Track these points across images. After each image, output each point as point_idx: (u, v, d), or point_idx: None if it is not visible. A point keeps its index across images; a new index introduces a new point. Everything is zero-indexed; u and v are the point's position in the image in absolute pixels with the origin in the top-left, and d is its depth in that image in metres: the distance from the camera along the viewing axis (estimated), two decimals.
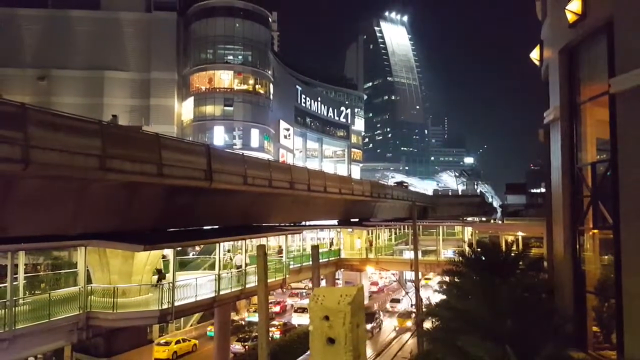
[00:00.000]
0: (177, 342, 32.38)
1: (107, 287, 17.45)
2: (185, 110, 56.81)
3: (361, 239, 41.40)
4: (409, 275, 61.41)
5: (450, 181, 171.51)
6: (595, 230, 11.20)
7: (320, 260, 36.25)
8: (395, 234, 51.77)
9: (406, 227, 47.04)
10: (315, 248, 14.38)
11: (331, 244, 40.20)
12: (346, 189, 36.24)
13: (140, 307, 17.66)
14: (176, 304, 17.83)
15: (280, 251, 28.43)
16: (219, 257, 21.16)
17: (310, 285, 55.10)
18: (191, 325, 37.51)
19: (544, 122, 12.87)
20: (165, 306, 17.35)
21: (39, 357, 22.63)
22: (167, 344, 31.64)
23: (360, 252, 40.88)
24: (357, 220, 42.21)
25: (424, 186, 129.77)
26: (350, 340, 2.16)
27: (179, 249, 20.82)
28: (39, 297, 16.70)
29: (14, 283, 15.42)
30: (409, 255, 38.94)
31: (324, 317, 2.18)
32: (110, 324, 17.00)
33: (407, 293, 48.62)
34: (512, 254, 16.17)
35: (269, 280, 22.87)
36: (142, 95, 54.60)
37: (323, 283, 54.16)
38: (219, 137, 54.86)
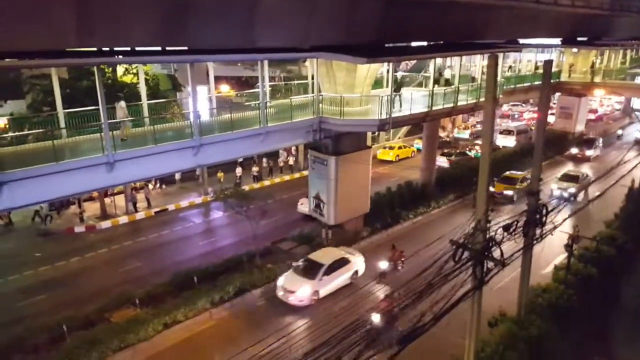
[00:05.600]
0: (400, 147, 36.37)
1: (334, 96, 19.58)
2: None
3: (587, 60, 35.83)
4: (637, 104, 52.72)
5: None
6: None
7: (535, 83, 33.36)
8: (632, 56, 43.29)
9: None
10: (548, 63, 13.03)
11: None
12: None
13: (362, 116, 19.60)
14: (393, 115, 19.24)
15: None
16: (433, 73, 21.20)
17: (523, 106, 51.94)
18: (399, 138, 40.53)
19: None
20: (383, 116, 18.93)
21: None
22: (391, 148, 35.84)
23: (584, 75, 35.80)
24: (585, 39, 35.95)
25: None
26: None
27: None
28: (282, 102, 19.85)
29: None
30: None
31: None
32: (337, 128, 19.52)
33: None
34: None
35: (481, 100, 22.47)
36: None
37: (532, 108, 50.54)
38: None
